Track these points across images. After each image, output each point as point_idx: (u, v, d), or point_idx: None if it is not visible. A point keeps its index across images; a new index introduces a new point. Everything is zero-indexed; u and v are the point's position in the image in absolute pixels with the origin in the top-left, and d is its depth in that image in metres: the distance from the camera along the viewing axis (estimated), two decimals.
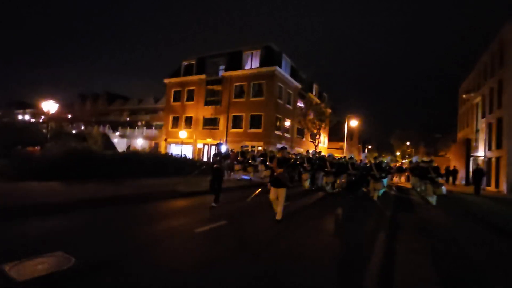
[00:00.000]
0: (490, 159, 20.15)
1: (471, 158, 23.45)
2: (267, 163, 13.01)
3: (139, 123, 38.84)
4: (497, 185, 18.39)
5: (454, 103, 34.32)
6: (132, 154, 13.03)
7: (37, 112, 63.05)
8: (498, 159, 18.54)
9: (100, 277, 2.86)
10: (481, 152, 22.04)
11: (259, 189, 6.96)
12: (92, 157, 10.51)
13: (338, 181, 12.14)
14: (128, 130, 34.78)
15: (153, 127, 35.67)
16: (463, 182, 23.82)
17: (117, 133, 35.40)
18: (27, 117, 61.81)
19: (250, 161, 14.10)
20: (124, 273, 3.00)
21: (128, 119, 48.00)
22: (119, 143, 31.38)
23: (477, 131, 23.21)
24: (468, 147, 23.62)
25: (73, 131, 37.78)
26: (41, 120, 58.07)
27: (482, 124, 22.30)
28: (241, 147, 16.83)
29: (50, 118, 14.11)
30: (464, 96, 26.50)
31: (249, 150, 17.21)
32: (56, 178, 8.96)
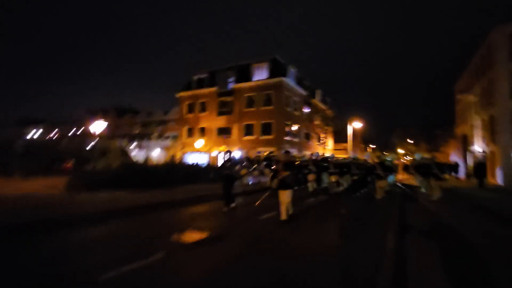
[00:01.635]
0: (486, 153, 21.85)
1: (468, 153, 25.14)
2: (272, 167, 13.20)
3: (153, 135, 40.69)
4: (493, 177, 20.05)
5: (452, 99, 36.12)
6: (171, 166, 14.85)
7: (49, 129, 65.23)
8: (493, 153, 20.24)
9: (226, 242, 4.66)
10: (477, 147, 23.75)
11: (267, 193, 7.56)
12: (142, 169, 12.37)
13: (342, 182, 12.44)
14: (144, 142, 36.64)
15: (169, 138, 37.58)
16: (459, 175, 25.01)
17: (133, 145, 37.30)
18: (38, 134, 63.75)
19: (255, 166, 14.55)
20: (238, 239, 4.79)
21: (138, 131, 50.04)
22: (137, 155, 33.21)
23: (473, 127, 24.95)
24: (465, 142, 25.34)
25: (88, 147, 39.69)
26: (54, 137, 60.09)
27: (477, 121, 24.06)
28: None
29: (98, 137, 15.87)
30: (458, 96, 28.34)
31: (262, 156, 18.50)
32: (118, 188, 10.74)
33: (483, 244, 4.89)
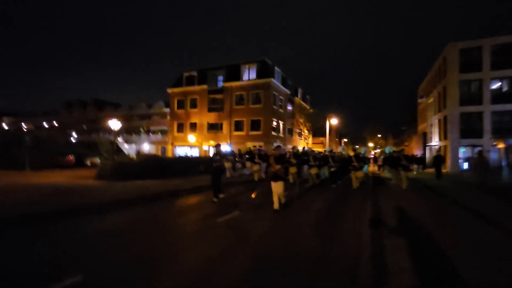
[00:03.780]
0: (440, 147, 26.09)
1: (427, 147, 29.50)
2: (255, 160, 14.44)
3: (141, 129, 41.29)
4: (445, 167, 24.23)
5: (415, 100, 40.89)
6: (179, 159, 16.76)
7: (17, 121, 62.18)
8: (445, 147, 24.41)
9: (260, 210, 7.05)
10: (434, 142, 28.04)
11: (260, 186, 8.63)
12: (160, 162, 14.26)
13: (321, 173, 13.36)
14: (133, 136, 37.37)
15: (155, 132, 38.59)
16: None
17: (120, 139, 37.85)
18: (7, 125, 60.56)
19: (237, 159, 15.82)
20: (265, 210, 7.17)
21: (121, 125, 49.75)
22: (128, 149, 34.05)
23: (431, 125, 29.26)
24: (424, 138, 29.63)
25: (72, 139, 39.47)
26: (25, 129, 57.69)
27: (434, 120, 28.32)
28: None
29: (114, 133, 17.24)
30: (419, 100, 32.69)
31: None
32: (143, 177, 12.59)
33: (441, 223, 5.79)
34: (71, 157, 21.55)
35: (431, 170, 23.39)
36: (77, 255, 3.82)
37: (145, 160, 13.70)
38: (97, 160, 24.81)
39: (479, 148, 21.35)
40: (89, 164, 23.42)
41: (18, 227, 5.03)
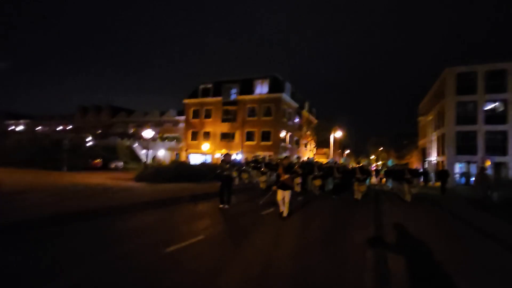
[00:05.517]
0: (438, 162, 27.95)
1: (426, 162, 31.37)
2: (262, 169, 14.51)
3: (157, 136, 43.31)
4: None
5: (416, 116, 42.94)
6: (202, 165, 18.71)
7: (33, 123, 64.43)
8: (442, 162, 26.28)
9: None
10: (433, 157, 29.91)
11: (270, 193, 8.43)
12: (188, 168, 16.23)
13: (325, 184, 13.41)
14: (150, 142, 39.44)
15: (169, 139, 40.66)
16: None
17: (136, 145, 39.92)
18: (20, 127, 62.76)
19: (243, 168, 16.24)
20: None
21: (132, 131, 51.88)
22: (143, 154, 36.06)
23: (431, 141, 31.20)
24: (424, 153, 31.51)
25: (89, 143, 41.55)
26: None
27: (433, 136, 30.27)
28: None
29: (146, 141, 19.20)
30: (419, 118, 34.80)
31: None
32: (174, 181, 14.43)
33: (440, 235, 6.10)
34: (99, 161, 23.57)
35: (430, 184, 25.25)
36: (189, 226, 5.76)
37: (177, 166, 15.67)
38: (120, 164, 26.98)
39: (476, 165, 23.26)
40: (113, 167, 25.45)
41: (135, 212, 7.02)
